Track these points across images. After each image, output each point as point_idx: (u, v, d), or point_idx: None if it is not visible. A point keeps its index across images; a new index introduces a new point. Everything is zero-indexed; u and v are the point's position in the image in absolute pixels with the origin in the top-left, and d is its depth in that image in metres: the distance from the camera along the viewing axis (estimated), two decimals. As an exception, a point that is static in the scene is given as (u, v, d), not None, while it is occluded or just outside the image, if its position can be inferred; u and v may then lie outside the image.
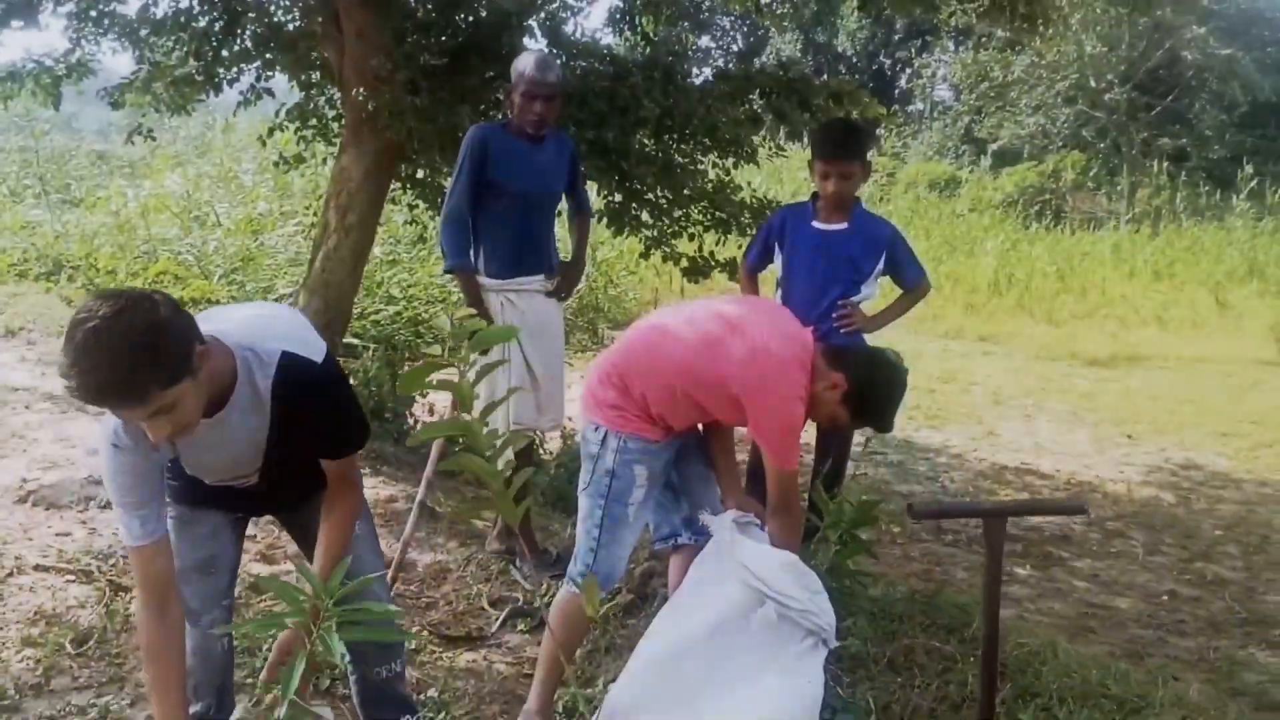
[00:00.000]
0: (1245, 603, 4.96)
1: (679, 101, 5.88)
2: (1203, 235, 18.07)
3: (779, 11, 10.75)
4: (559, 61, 5.14)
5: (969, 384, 9.88)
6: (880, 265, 3.91)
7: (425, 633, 3.75)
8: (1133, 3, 18.88)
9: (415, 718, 2.69)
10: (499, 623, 3.83)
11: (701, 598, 2.96)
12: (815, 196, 3.97)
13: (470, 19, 5.82)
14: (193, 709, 2.32)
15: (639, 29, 8.28)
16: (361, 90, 5.68)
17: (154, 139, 7.24)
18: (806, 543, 3.97)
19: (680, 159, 6.25)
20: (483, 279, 4.16)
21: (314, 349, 2.22)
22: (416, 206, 7.08)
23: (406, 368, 6.60)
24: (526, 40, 6.33)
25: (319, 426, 2.22)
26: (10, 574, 3.81)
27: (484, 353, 1.77)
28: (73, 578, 3.84)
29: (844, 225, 3.86)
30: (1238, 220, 18.81)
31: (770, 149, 7.10)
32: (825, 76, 23.38)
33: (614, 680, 3.26)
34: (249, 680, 3.19)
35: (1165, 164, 21.81)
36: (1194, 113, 23.72)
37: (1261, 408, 9.32)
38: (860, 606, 3.31)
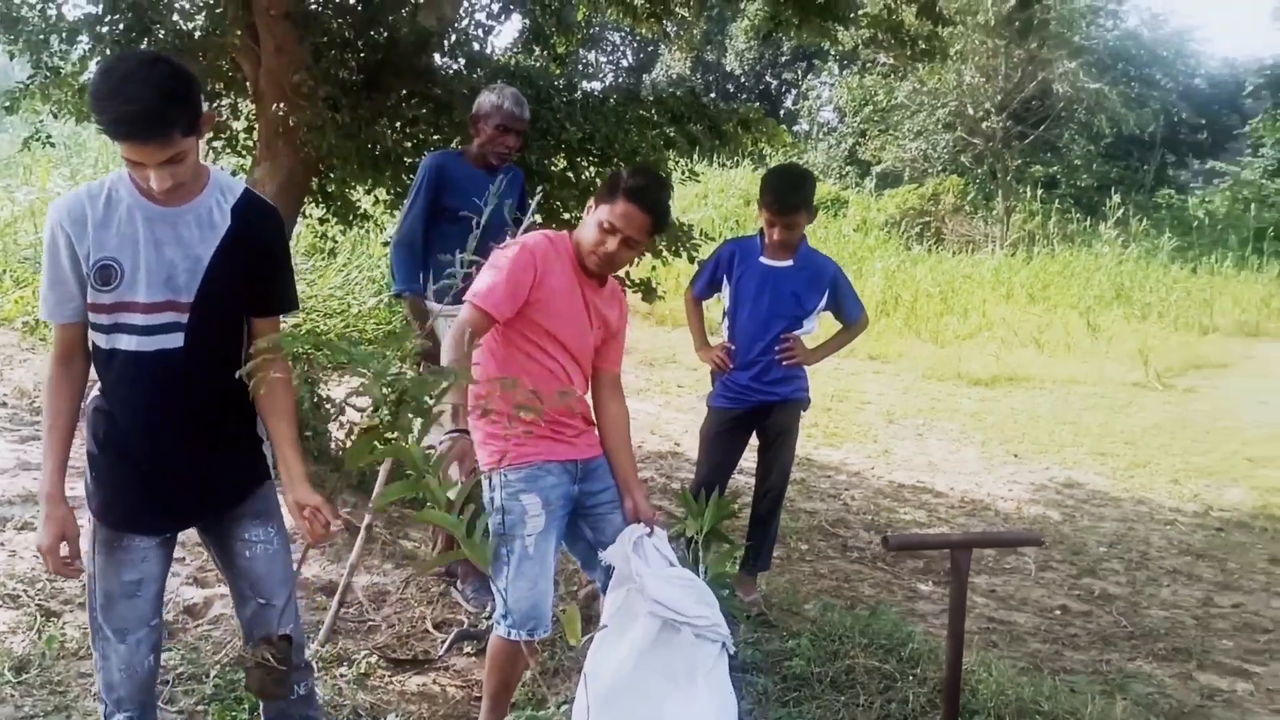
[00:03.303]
0: (1131, 617, 5.26)
1: (599, 125, 5.99)
2: (1073, 260, 18.93)
3: (679, 35, 11.00)
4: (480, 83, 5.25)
5: (862, 403, 10.19)
6: (823, 302, 4.09)
7: (374, 656, 3.74)
8: (1010, 35, 19.79)
9: None
10: (445, 646, 3.84)
11: (621, 635, 3.05)
12: (763, 232, 4.11)
13: (387, 36, 5.83)
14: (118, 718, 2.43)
15: (551, 49, 8.37)
16: (280, 105, 5.63)
17: (53, 145, 7.01)
18: (677, 541, 4.02)
19: (600, 182, 6.34)
20: (430, 303, 4.19)
21: None
22: (328, 220, 7.02)
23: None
24: (445, 60, 6.38)
25: (264, 260, 2.37)
26: (-68, 599, 3.68)
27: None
28: (-2, 603, 3.73)
29: (790, 263, 4.02)
30: (1105, 247, 19.75)
31: (684, 173, 7.24)
32: (713, 95, 23.82)
33: (564, 702, 3.34)
34: (199, 708, 3.18)
35: (1038, 190, 22.86)
36: (1064, 142, 24.97)
37: (1133, 428, 9.85)
38: (802, 628, 3.44)
